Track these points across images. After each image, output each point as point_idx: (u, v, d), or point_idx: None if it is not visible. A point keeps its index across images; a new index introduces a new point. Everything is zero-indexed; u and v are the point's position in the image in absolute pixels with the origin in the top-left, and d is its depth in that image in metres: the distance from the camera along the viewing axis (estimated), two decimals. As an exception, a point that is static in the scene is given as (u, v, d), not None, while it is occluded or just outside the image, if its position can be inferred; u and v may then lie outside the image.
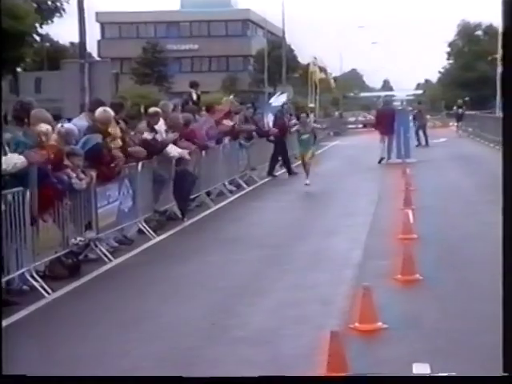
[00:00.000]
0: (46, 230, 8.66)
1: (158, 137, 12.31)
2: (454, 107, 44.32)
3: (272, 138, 20.11)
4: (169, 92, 53.52)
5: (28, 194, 7.97)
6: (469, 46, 78.20)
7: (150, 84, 56.02)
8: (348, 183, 18.44)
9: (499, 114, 35.72)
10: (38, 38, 45.60)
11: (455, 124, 44.26)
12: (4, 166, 7.55)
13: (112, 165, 10.24)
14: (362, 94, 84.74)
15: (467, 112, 43.21)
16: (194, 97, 17.03)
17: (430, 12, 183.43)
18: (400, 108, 30.74)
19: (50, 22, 45.44)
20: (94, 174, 9.66)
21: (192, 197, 13.63)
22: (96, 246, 9.72)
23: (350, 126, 53.74)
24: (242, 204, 15.34)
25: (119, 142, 10.68)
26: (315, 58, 41.01)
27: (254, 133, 19.23)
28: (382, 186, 17.40)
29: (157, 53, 67.16)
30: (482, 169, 19.19)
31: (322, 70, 41.24)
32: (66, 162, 9.08)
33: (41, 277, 8.24)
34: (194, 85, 17.82)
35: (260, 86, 62.81)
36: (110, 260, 9.66)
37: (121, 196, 10.77)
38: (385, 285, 7.66)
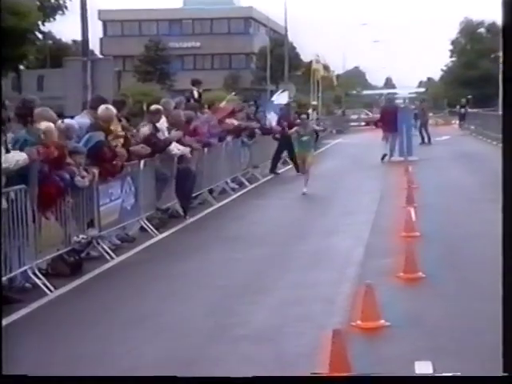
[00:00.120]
0: (49, 227, 8.65)
1: (160, 135, 12.31)
2: (457, 106, 44.28)
3: (278, 135, 20.12)
4: (171, 90, 53.47)
5: (29, 191, 7.97)
6: (471, 43, 78.05)
7: (152, 82, 55.95)
8: (350, 181, 18.43)
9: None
10: (40, 36, 45.54)
11: (457, 122, 44.25)
12: (6, 164, 7.56)
13: (114, 162, 10.24)
14: (365, 92, 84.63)
15: (470, 110, 43.17)
16: (196, 95, 17.01)
17: (432, 10, 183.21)
18: (403, 106, 30.69)
19: (52, 19, 45.34)
20: (96, 171, 9.66)
21: (194, 194, 13.63)
22: (98, 244, 9.72)
23: (353, 124, 53.71)
24: (244, 202, 15.34)
25: (121, 140, 10.68)
26: (317, 56, 40.98)
27: (256, 130, 19.23)
28: (384, 183, 17.38)
29: (159, 50, 67.10)
30: (485, 167, 19.16)
31: (325, 67, 41.24)
32: (69, 159, 9.08)
33: (43, 274, 8.24)
34: (195, 82, 17.81)
35: (262, 83, 62.75)
36: (112, 258, 9.67)
37: (123, 194, 10.77)
38: (387, 283, 7.66)
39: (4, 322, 6.76)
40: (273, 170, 20.24)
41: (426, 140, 30.90)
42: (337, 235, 11.03)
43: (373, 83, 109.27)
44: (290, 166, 20.50)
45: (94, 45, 57.59)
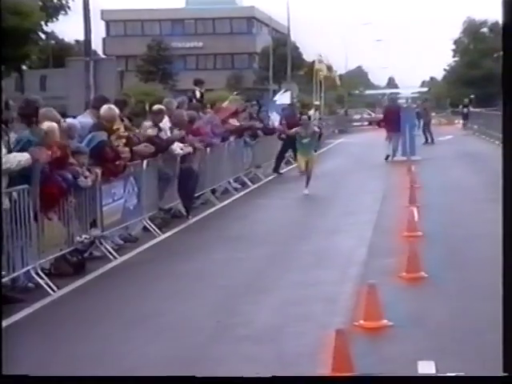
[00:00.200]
0: (51, 227, 8.66)
1: (163, 134, 12.32)
2: (460, 106, 44.21)
3: (284, 135, 20.11)
4: (173, 90, 53.51)
5: (31, 191, 7.98)
6: (474, 43, 77.95)
7: (154, 82, 56.02)
8: (353, 181, 18.43)
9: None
10: (43, 36, 45.61)
11: (460, 122, 44.18)
12: (8, 165, 7.57)
13: (117, 162, 10.24)
14: (367, 92, 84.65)
15: (473, 109, 43.13)
16: (198, 94, 17.01)
17: (435, 9, 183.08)
18: (405, 106, 30.69)
19: (55, 19, 45.42)
20: (99, 171, 9.67)
21: (197, 194, 13.64)
22: (101, 244, 9.73)
23: (355, 124, 53.70)
24: (247, 202, 15.34)
25: (124, 140, 10.68)
26: (320, 56, 40.95)
27: (258, 130, 19.23)
28: (386, 183, 17.37)
29: (162, 50, 67.15)
30: (488, 166, 19.13)
31: (328, 67, 41.20)
32: (72, 159, 9.09)
33: (46, 274, 8.25)
34: (198, 82, 17.80)
35: (265, 83, 62.77)
36: (115, 258, 9.67)
37: (126, 194, 10.77)
38: (390, 282, 7.65)
39: (7, 321, 6.78)
40: (276, 169, 20.25)
41: (429, 140, 30.89)
42: (339, 235, 11.03)
43: (375, 83, 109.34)
44: (293, 166, 20.50)
45: (97, 45, 57.73)
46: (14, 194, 7.73)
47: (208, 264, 9.39)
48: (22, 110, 8.62)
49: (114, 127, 10.40)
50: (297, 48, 66.54)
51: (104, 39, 72.73)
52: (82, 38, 15.71)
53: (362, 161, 23.85)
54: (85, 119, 10.56)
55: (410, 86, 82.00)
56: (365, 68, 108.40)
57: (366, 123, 55.10)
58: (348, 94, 71.35)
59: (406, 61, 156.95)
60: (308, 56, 62.50)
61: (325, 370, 5.01)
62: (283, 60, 49.26)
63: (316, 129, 16.71)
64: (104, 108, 10.36)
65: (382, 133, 24.75)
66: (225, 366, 5.58)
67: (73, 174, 8.91)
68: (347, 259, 9.24)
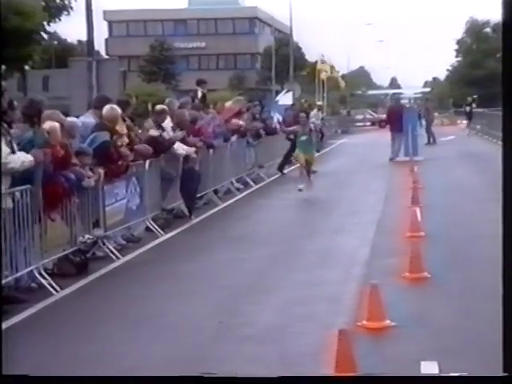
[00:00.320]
0: (54, 227, 8.67)
1: (165, 134, 12.32)
2: (464, 106, 44.13)
3: (292, 135, 20.09)
4: (176, 90, 53.53)
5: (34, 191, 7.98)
6: (477, 43, 77.89)
7: (157, 82, 56.06)
8: (355, 181, 18.42)
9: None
10: (45, 36, 45.58)
11: (464, 122, 44.10)
12: (12, 165, 7.58)
13: (119, 163, 10.25)
14: (370, 92, 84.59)
15: (475, 109, 43.08)
16: (199, 95, 17.00)
17: (438, 9, 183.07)
18: (408, 106, 30.70)
19: (57, 20, 45.38)
20: (101, 171, 9.67)
21: (199, 195, 13.64)
22: (104, 244, 9.73)
23: (358, 124, 53.70)
24: (249, 202, 15.34)
25: (126, 140, 10.69)
26: (323, 56, 41.01)
27: (260, 131, 19.23)
28: (389, 183, 17.37)
29: (164, 51, 67.18)
30: (491, 167, 19.08)
31: (331, 68, 41.23)
32: (75, 160, 9.09)
33: (49, 274, 8.25)
34: (200, 83, 17.80)
35: (267, 83, 62.75)
36: (118, 258, 9.68)
37: (128, 194, 10.78)
38: (393, 283, 7.65)
39: (10, 321, 6.79)
40: (281, 168, 20.28)
41: (431, 140, 30.87)
42: (342, 235, 11.02)
43: (378, 83, 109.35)
44: (296, 166, 20.49)
45: (100, 45, 57.68)
46: (17, 194, 7.73)
47: (210, 264, 9.39)
48: (25, 110, 8.63)
49: (117, 127, 10.40)
50: (299, 48, 66.56)
51: (106, 39, 72.81)
52: (84, 38, 15.73)
53: (365, 161, 23.85)
54: (87, 119, 10.56)
55: (412, 86, 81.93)
56: (367, 68, 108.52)
57: (369, 123, 55.13)
58: (350, 95, 71.34)
59: (409, 61, 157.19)
60: (310, 56, 62.65)
61: (328, 370, 5.01)
62: (286, 60, 49.30)
63: (312, 126, 16.51)
64: (106, 108, 10.36)
65: (384, 133, 24.76)
66: (227, 366, 5.57)
67: (76, 175, 8.92)
68: (350, 259, 9.24)
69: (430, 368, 5.25)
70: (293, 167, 20.86)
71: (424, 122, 32.38)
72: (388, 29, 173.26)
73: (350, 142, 36.11)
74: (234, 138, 17.21)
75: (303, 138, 15.82)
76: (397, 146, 23.50)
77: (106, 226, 9.83)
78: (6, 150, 7.47)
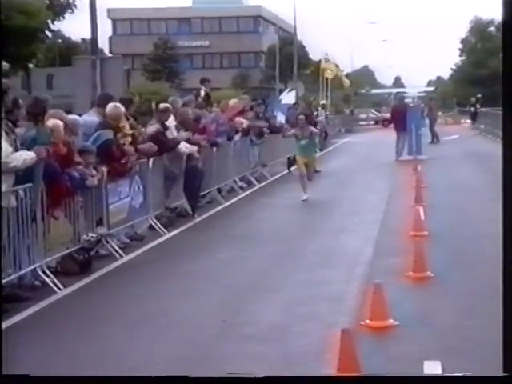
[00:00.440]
0: (58, 226, 8.67)
1: (169, 133, 12.31)
2: (468, 105, 44.04)
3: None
4: (180, 88, 53.57)
5: (33, 190, 7.97)
6: (481, 42, 77.73)
7: (161, 80, 56.11)
8: (359, 180, 18.41)
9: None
10: (49, 35, 45.67)
11: (467, 121, 44.01)
12: (14, 163, 7.58)
13: (123, 161, 10.25)
14: (374, 91, 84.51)
15: (479, 109, 43.01)
16: (202, 93, 16.99)
17: (442, 8, 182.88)
18: (412, 105, 30.66)
19: (61, 18, 45.45)
20: (105, 170, 9.67)
21: (203, 193, 13.63)
22: (107, 242, 9.73)
23: (361, 123, 53.68)
24: (253, 201, 15.33)
25: (129, 138, 10.68)
26: (326, 55, 40.95)
27: (264, 129, 19.23)
28: (393, 183, 17.35)
29: (168, 49, 67.21)
30: (494, 166, 19.00)
31: (334, 66, 41.19)
32: (78, 158, 9.09)
33: (52, 272, 8.26)
34: (204, 81, 17.80)
35: (271, 82, 62.75)
36: (121, 256, 9.68)
37: (132, 192, 10.78)
38: (396, 282, 7.64)
39: (12, 320, 6.80)
40: (289, 167, 20.36)
41: (434, 139, 30.84)
42: (345, 234, 11.01)
43: (382, 82, 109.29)
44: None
45: (103, 43, 57.81)
46: (21, 193, 7.74)
47: (213, 263, 9.39)
48: (30, 108, 8.63)
49: (120, 125, 10.40)
50: (303, 47, 66.52)
51: (110, 38, 72.82)
52: (88, 36, 15.76)
53: (368, 160, 23.83)
54: (90, 117, 10.56)
55: (416, 85, 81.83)
56: (371, 67, 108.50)
57: (372, 122, 55.11)
58: (354, 94, 71.31)
59: (413, 60, 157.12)
60: (314, 55, 62.58)
61: (330, 369, 5.00)
62: (289, 59, 49.24)
63: (314, 130, 15.61)
64: (110, 106, 10.36)
65: (387, 132, 24.76)
66: (229, 365, 5.56)
67: (80, 174, 8.92)
68: (353, 259, 9.23)
69: (433, 367, 5.24)
70: (295, 166, 20.88)
71: (427, 121, 32.33)
72: (392, 28, 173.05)
73: (353, 141, 36.09)
74: (237, 137, 17.20)
75: (303, 142, 15.11)
76: (401, 145, 23.50)
77: (109, 224, 9.83)
78: (8, 148, 7.47)
